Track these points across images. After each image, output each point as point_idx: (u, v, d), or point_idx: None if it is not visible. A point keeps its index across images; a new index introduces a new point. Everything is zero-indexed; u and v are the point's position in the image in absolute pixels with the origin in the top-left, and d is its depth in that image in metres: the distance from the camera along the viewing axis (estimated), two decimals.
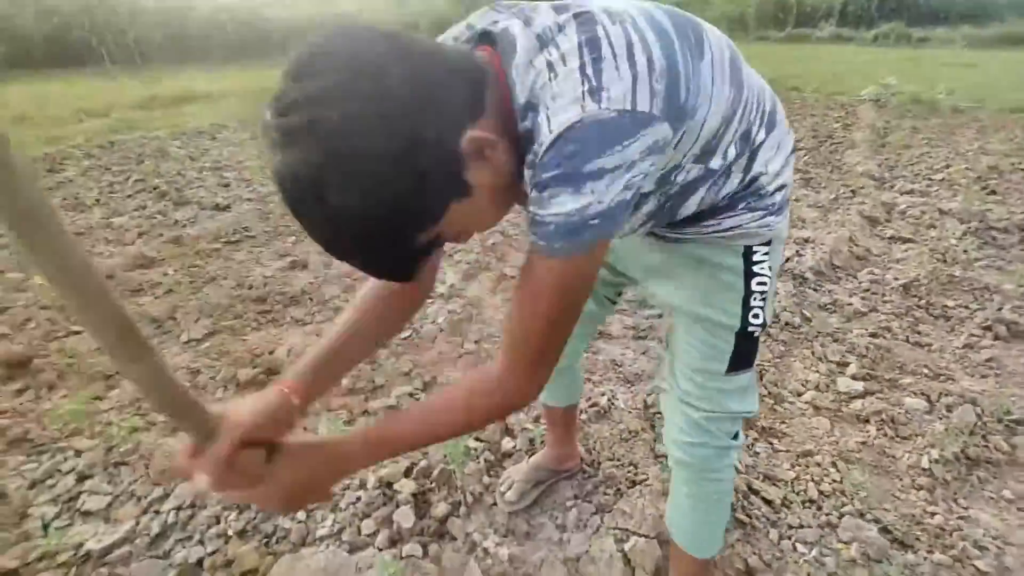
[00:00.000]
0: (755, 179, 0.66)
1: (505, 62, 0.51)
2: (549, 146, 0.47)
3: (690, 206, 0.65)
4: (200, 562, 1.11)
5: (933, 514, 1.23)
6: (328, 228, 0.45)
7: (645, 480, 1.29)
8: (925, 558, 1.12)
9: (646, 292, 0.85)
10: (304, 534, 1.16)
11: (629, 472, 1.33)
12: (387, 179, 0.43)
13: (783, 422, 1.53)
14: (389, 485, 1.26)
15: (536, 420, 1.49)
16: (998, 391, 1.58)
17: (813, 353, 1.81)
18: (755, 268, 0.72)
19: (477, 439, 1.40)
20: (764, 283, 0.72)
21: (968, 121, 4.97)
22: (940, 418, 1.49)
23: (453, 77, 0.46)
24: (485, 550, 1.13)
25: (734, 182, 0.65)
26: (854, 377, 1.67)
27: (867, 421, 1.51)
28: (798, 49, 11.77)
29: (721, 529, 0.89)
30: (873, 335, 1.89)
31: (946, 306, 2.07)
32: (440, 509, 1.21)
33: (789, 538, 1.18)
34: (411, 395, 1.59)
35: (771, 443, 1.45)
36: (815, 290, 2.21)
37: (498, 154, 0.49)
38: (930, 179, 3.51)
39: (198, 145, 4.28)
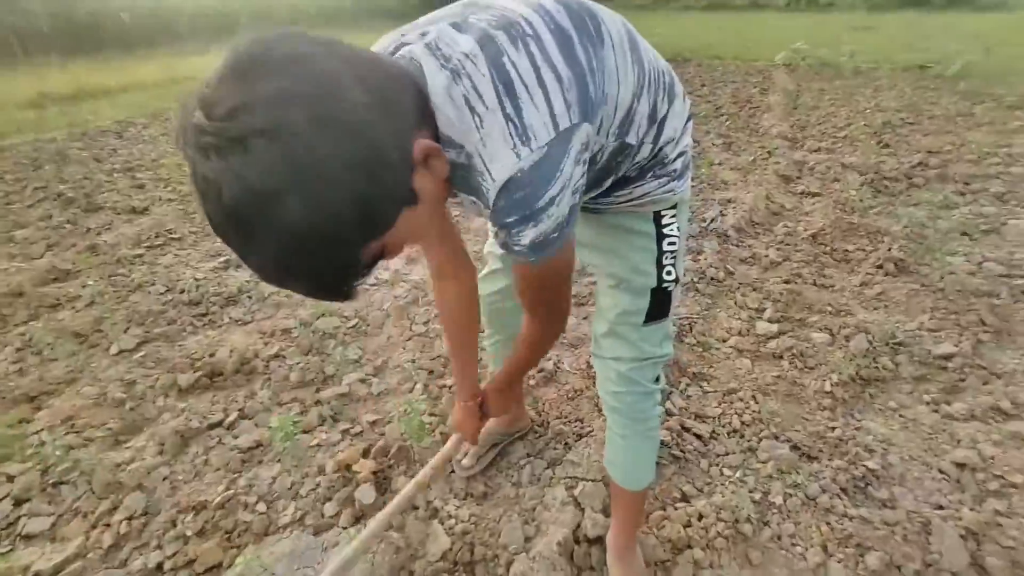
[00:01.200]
0: (661, 148, 0.72)
1: (420, 82, 0.52)
2: (498, 194, 0.53)
3: (610, 179, 0.72)
4: (160, 566, 1.11)
5: (833, 428, 1.42)
6: (272, 243, 0.40)
7: (591, 432, 1.40)
8: (826, 465, 1.30)
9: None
10: (266, 524, 1.18)
11: (576, 427, 1.43)
12: (348, 187, 0.40)
13: (711, 366, 1.68)
14: (348, 468, 1.30)
15: None
16: (886, 319, 1.82)
17: (735, 303, 1.99)
18: (664, 230, 0.80)
19: (431, 414, 1.46)
20: (674, 243, 0.81)
21: (867, 81, 5.43)
22: (840, 347, 1.70)
23: (398, 84, 0.47)
24: (447, 513, 1.20)
25: (644, 152, 0.70)
26: (770, 320, 1.86)
27: (781, 357, 1.70)
28: (718, 18, 12.25)
29: (651, 463, 1.00)
30: (786, 281, 2.10)
31: (846, 250, 2.31)
32: (400, 483, 1.26)
33: (717, 465, 1.33)
34: (362, 381, 1.61)
35: (701, 386, 1.60)
36: (737, 246, 2.40)
37: (441, 163, 0.50)
38: (835, 136, 3.84)
39: (103, 145, 3.94)
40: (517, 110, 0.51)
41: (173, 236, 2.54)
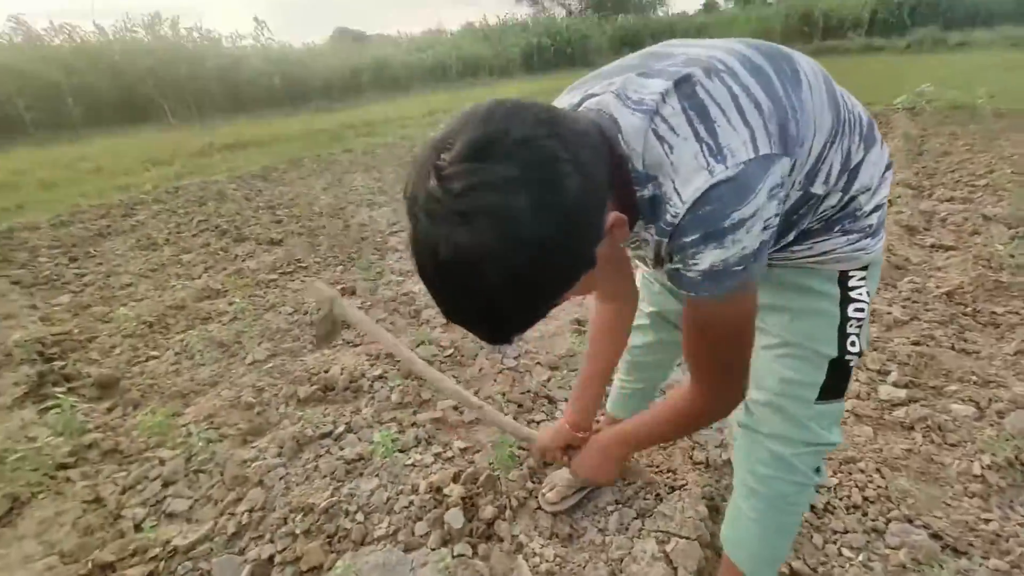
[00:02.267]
0: (853, 199, 0.65)
1: (611, 133, 0.53)
2: (686, 212, 0.51)
3: (791, 233, 0.65)
4: (271, 558, 1.22)
5: (988, 520, 1.20)
6: (472, 302, 0.46)
7: (684, 485, 1.32)
8: (980, 564, 1.10)
9: None
10: (363, 534, 1.26)
11: (668, 478, 1.36)
12: (550, 263, 0.45)
13: None
14: (439, 490, 1.35)
15: None
16: None
17: None
18: (851, 294, 0.70)
19: (521, 448, 1.47)
20: (861, 309, 0.70)
21: (1012, 125, 4.81)
22: (991, 424, 1.46)
23: (599, 154, 0.48)
24: (532, 550, 1.19)
25: (831, 202, 0.64)
26: (896, 384, 1.65)
27: (912, 428, 1.49)
28: (828, 62, 11.61)
29: (783, 554, 0.88)
30: (915, 343, 1.86)
31: (994, 313, 2.01)
32: (487, 512, 1.28)
33: (834, 543, 1.19)
34: (455, 408, 1.68)
35: None
36: None
37: (622, 232, 0.51)
38: (972, 185, 3.42)
39: (252, 186, 4.65)
40: (711, 133, 0.50)
41: (301, 265, 2.90)
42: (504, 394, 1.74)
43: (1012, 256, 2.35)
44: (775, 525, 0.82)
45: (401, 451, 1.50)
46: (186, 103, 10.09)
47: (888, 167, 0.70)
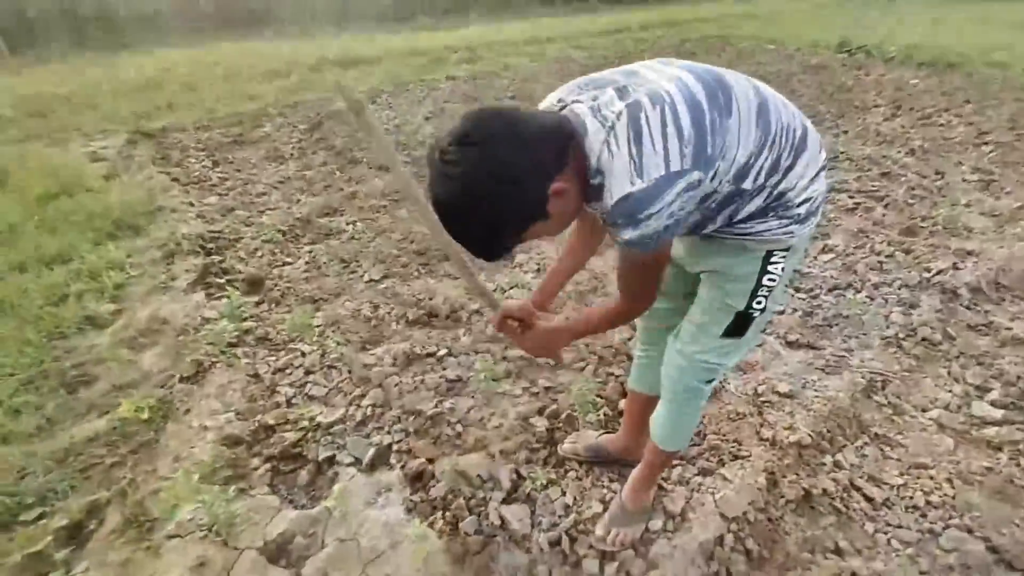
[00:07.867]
0: (783, 194, 0.86)
1: (579, 134, 0.77)
2: (614, 206, 0.75)
3: (730, 214, 0.88)
4: (390, 446, 1.52)
5: None
6: (461, 224, 0.76)
7: (748, 456, 1.44)
8: None
9: (694, 269, 1.07)
10: (460, 441, 1.52)
11: (733, 447, 1.49)
12: (502, 202, 0.73)
13: (900, 433, 1.55)
14: (526, 419, 1.57)
15: None
16: None
17: (949, 373, 1.75)
18: (769, 268, 0.93)
19: (599, 396, 1.65)
20: (773, 280, 0.94)
21: None
22: None
23: (546, 144, 0.74)
24: (603, 483, 1.39)
25: (762, 197, 0.85)
26: (994, 404, 1.61)
27: (999, 449, 1.48)
28: (1017, 10, 9.53)
29: (684, 437, 1.20)
30: None
31: None
32: (562, 449, 1.49)
33: (885, 534, 1.28)
34: None
35: (882, 449, 1.50)
36: (968, 308, 2.06)
37: (570, 198, 0.78)
38: None
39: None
40: (640, 154, 0.73)
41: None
42: (588, 345, 1.89)
43: None
44: (675, 412, 1.13)
45: (494, 380, 1.73)
46: (299, 10, 10.42)
47: (822, 168, 0.90)
